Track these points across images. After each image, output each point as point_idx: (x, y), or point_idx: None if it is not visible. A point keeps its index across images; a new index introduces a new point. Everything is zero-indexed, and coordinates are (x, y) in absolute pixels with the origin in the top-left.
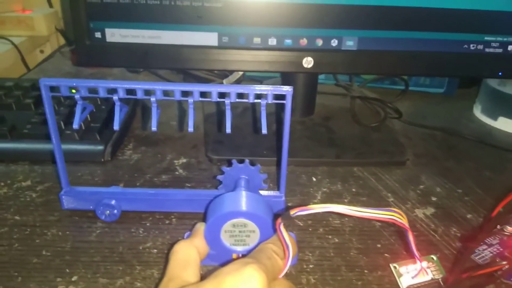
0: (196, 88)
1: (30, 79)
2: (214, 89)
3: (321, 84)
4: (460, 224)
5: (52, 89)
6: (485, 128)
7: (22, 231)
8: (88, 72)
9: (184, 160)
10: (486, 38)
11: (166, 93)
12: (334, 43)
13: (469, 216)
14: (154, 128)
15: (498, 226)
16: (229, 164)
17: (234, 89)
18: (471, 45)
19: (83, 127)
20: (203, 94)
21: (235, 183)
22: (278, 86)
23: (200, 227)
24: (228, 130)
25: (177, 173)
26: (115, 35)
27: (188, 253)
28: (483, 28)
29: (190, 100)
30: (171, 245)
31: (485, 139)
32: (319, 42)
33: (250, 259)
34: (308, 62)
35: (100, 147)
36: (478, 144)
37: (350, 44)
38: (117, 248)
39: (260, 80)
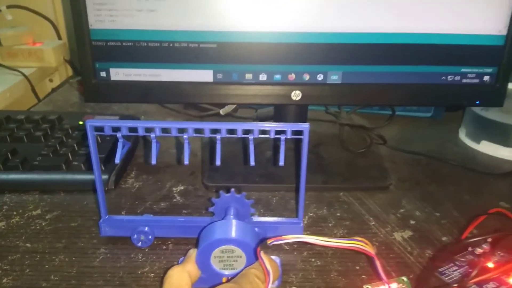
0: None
1: (40, 111)
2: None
3: (311, 111)
4: (435, 246)
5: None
6: (468, 152)
7: (32, 257)
8: (93, 102)
9: (182, 188)
10: (462, 70)
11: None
12: (320, 77)
13: (444, 238)
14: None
15: (470, 248)
16: (217, 195)
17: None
18: (449, 77)
19: (89, 158)
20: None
21: (225, 211)
22: (296, 123)
23: (193, 253)
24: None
25: (175, 200)
26: (119, 74)
27: (180, 277)
28: (459, 61)
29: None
30: (166, 270)
31: (468, 162)
32: (306, 77)
33: (233, 283)
34: (296, 95)
35: (105, 177)
36: (460, 168)
37: (334, 78)
38: (118, 272)
39: (255, 108)
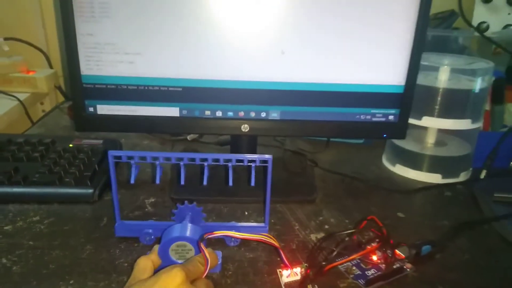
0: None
1: (36, 135)
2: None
3: (262, 137)
4: (337, 244)
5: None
6: (386, 173)
7: (35, 252)
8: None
9: (153, 200)
10: (372, 111)
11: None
12: (263, 114)
13: (347, 238)
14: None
15: (363, 246)
16: (176, 207)
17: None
18: (361, 116)
19: (78, 175)
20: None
21: (183, 218)
22: (262, 155)
23: (156, 248)
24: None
25: (146, 209)
26: (104, 109)
27: (145, 264)
28: (369, 104)
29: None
30: (136, 260)
31: (382, 182)
32: (252, 114)
33: (180, 265)
34: (245, 128)
35: (90, 191)
36: (374, 187)
37: (274, 115)
38: (100, 262)
39: (217, 135)
